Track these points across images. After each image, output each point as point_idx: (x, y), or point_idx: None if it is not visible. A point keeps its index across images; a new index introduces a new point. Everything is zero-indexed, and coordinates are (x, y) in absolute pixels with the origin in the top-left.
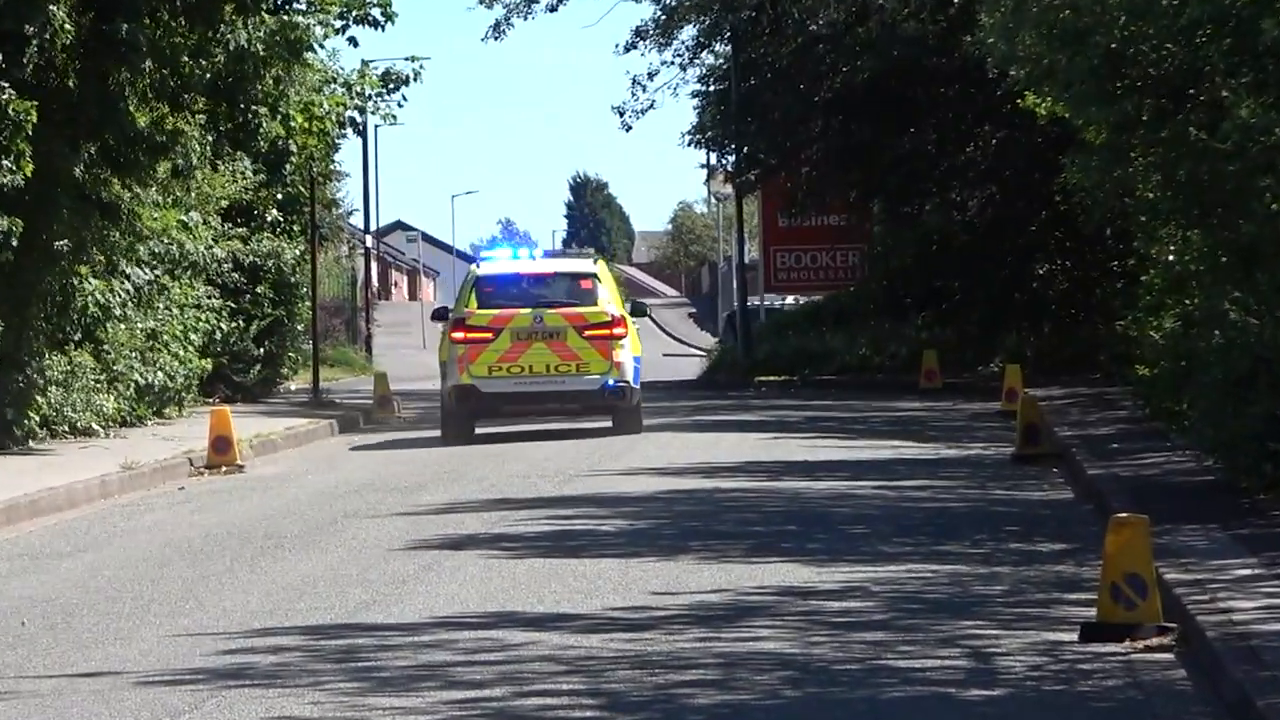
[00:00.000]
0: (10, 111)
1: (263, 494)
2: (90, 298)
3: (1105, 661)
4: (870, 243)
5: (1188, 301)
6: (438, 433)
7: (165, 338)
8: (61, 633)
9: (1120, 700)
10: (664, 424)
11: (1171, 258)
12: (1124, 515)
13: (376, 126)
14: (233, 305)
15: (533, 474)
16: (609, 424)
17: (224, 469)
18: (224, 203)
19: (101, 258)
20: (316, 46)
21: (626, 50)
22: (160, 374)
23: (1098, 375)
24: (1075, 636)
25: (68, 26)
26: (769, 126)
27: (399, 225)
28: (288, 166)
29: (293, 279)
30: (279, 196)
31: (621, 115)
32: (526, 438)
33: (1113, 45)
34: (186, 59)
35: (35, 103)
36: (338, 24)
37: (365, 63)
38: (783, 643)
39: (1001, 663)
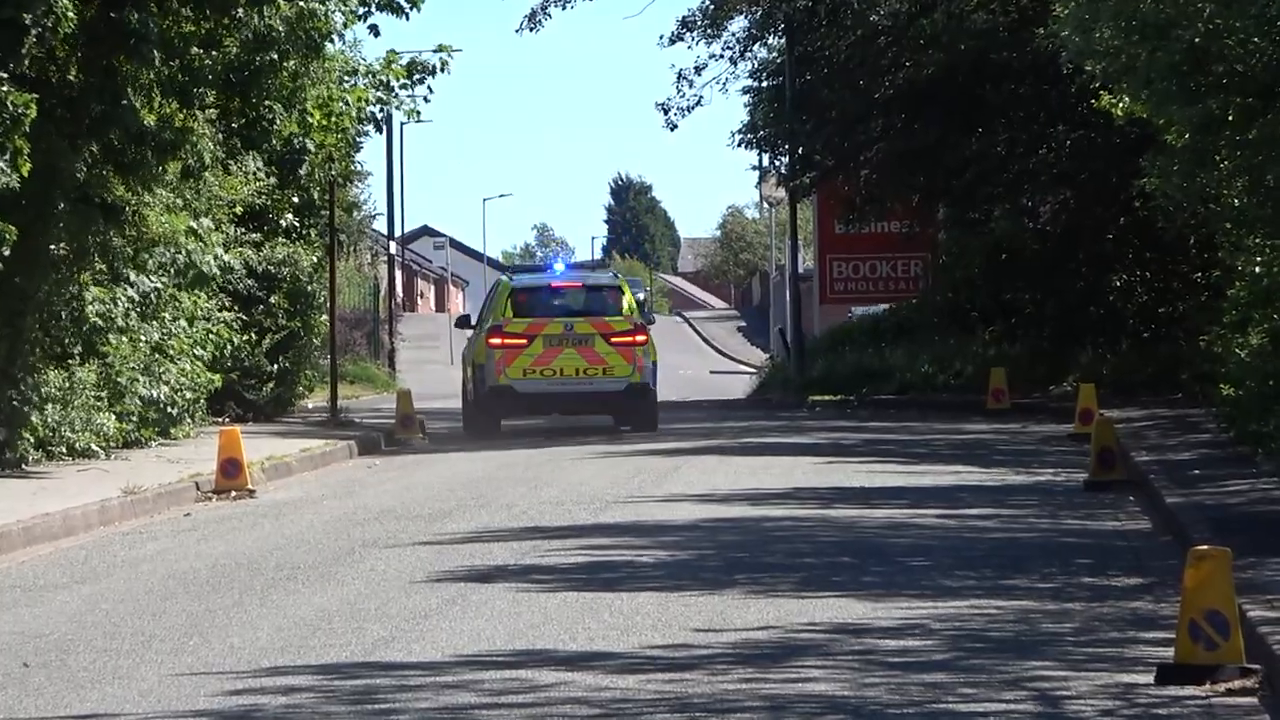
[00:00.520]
0: (7, 105)
1: (275, 521)
2: (91, 308)
3: (1183, 706)
4: (934, 252)
5: (1276, 316)
6: (465, 455)
7: (172, 351)
8: (55, 671)
9: None
10: (709, 447)
11: (1259, 269)
12: (1205, 548)
13: (401, 123)
14: (245, 317)
15: (566, 500)
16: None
17: (233, 494)
18: (236, 207)
19: (103, 265)
20: (335, 36)
21: (672, 42)
22: (166, 390)
23: (1179, 395)
24: (1151, 679)
25: (71, 14)
26: (826, 125)
27: (426, 231)
28: (304, 167)
29: (309, 288)
30: (295, 199)
31: (666, 113)
32: (561, 458)
33: (1196, 39)
34: (197, 50)
35: (34, 96)
36: (359, 10)
37: (390, 53)
38: (834, 684)
39: (1071, 707)
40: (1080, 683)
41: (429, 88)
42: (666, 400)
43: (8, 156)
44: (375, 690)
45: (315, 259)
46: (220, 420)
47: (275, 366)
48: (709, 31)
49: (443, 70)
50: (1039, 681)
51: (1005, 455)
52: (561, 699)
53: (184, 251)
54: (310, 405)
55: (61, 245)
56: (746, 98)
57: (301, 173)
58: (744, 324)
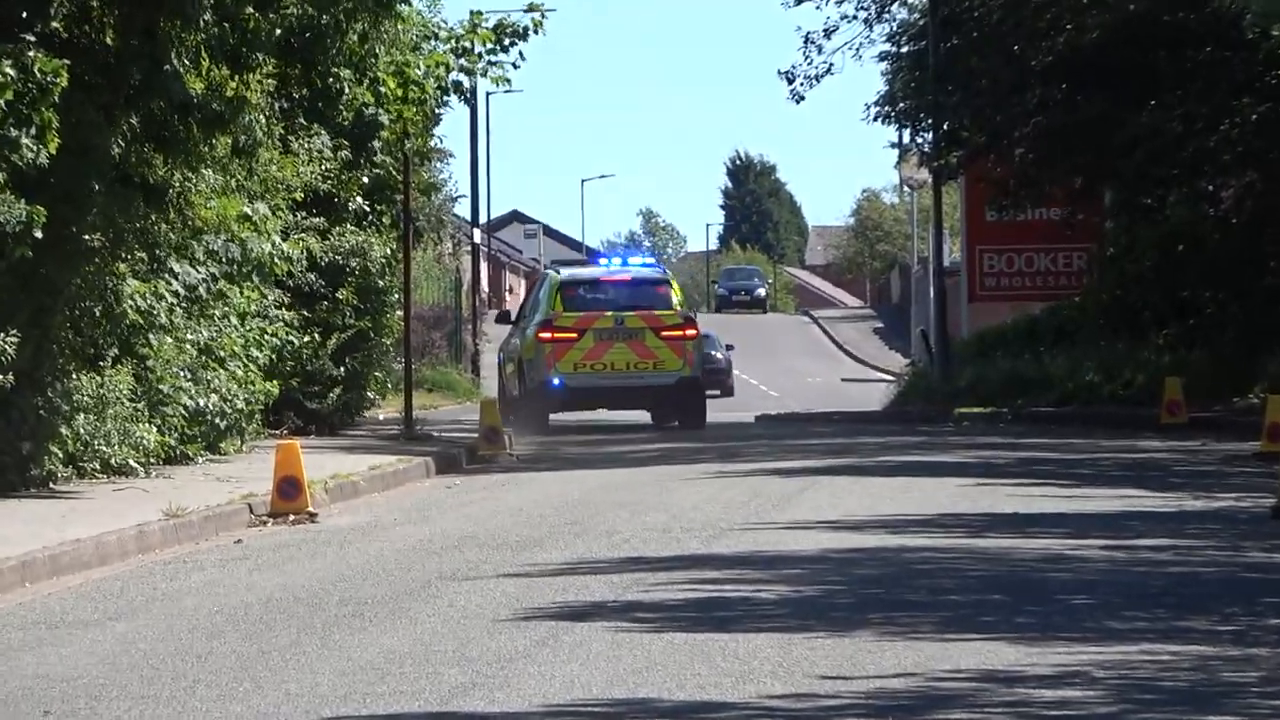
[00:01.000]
0: (35, 73)
1: (339, 549)
2: (129, 303)
3: None
4: (1100, 242)
5: None
6: (559, 475)
7: (222, 354)
8: None
9: None
10: (840, 466)
11: None
12: None
13: (488, 93)
14: (306, 314)
15: (674, 526)
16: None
17: (291, 518)
18: (297, 190)
19: (144, 255)
20: None
21: (798, 1)
22: (215, 399)
23: None
24: None
25: None
26: (975, 97)
27: (515, 217)
28: (376, 143)
29: (381, 283)
30: (365, 180)
31: (791, 82)
32: (668, 478)
33: None
34: (251, 10)
35: (65, 62)
36: None
37: (475, 14)
38: None
39: None
40: None
41: (519, 53)
42: (792, 412)
43: (34, 130)
44: None
45: (388, 249)
46: (277, 433)
47: (341, 371)
48: None
49: (535, 33)
50: None
51: (1181, 477)
52: None
53: (236, 240)
54: (381, 416)
55: (96, 233)
56: (883, 65)
57: (373, 150)
58: (880, 325)
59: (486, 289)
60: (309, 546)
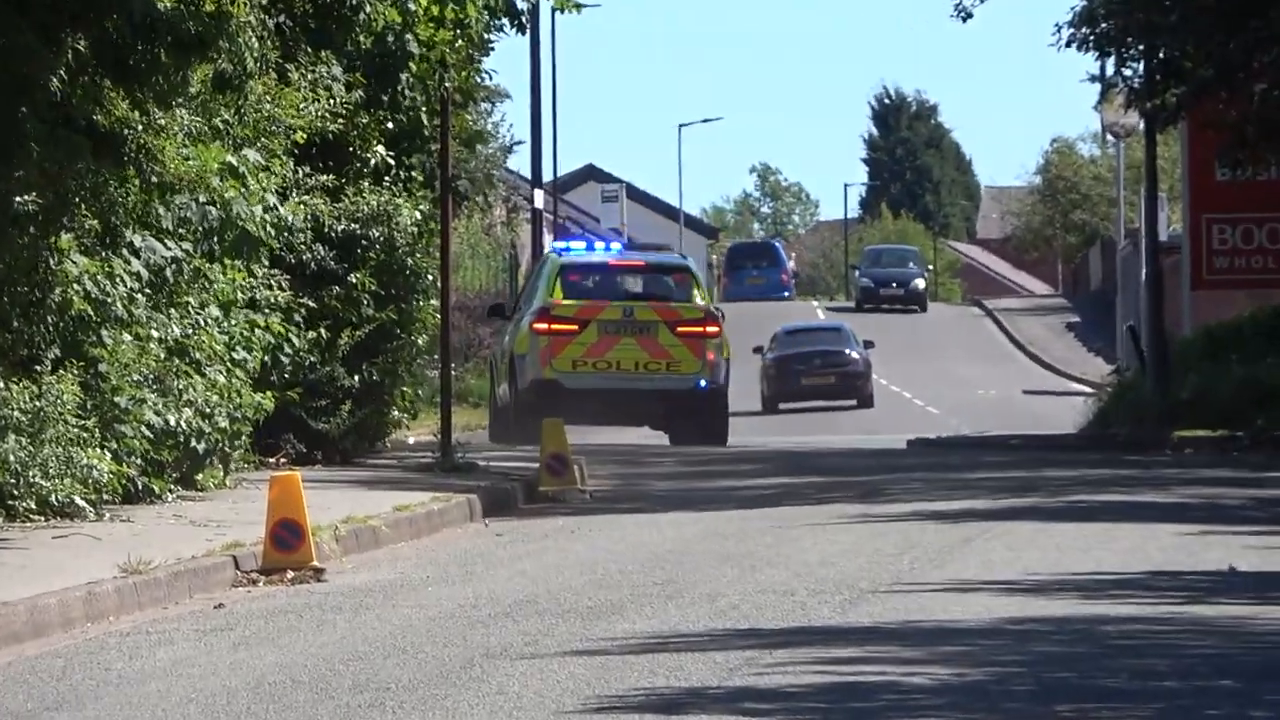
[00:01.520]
0: None
1: (353, 617)
2: (75, 288)
3: None
4: None
5: None
6: (646, 517)
7: (198, 356)
8: None
9: None
10: (1019, 507)
11: None
12: None
13: (553, 8)
14: (311, 304)
15: (798, 587)
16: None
17: (290, 575)
18: (299, 134)
19: (95, 223)
20: None
21: None
22: (189, 416)
23: None
24: None
25: None
26: (1201, 17)
27: (591, 174)
28: (405, 77)
29: (411, 261)
30: (389, 125)
31: None
32: (791, 523)
33: None
34: None
35: None
36: None
37: None
38: None
39: None
40: None
41: None
42: (958, 435)
43: None
44: None
45: (420, 215)
46: (272, 462)
47: (357, 381)
48: None
49: None
50: None
51: None
52: None
53: (217, 201)
54: (410, 440)
55: (29, 193)
56: None
57: (401, 85)
58: (1075, 318)
59: None
60: (313, 613)
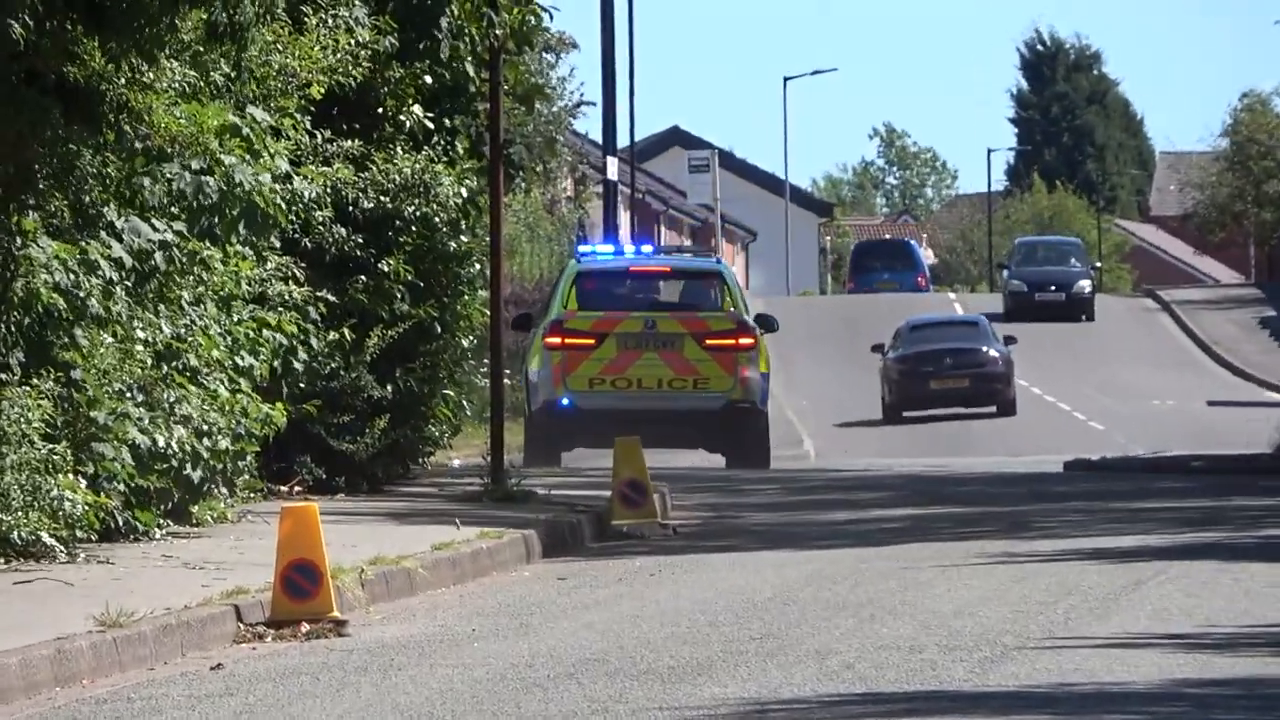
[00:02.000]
0: None
1: (381, 680)
2: (43, 278)
3: None
4: None
5: None
6: (743, 557)
7: (193, 362)
8: None
9: None
10: (1201, 544)
11: None
12: None
13: None
14: (332, 298)
15: (927, 642)
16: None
17: (306, 628)
18: (316, 88)
19: (64, 200)
20: None
21: None
22: (182, 435)
23: None
24: None
25: None
26: None
27: (676, 138)
28: (445, 21)
29: (454, 244)
30: (428, 79)
31: None
32: (917, 563)
33: None
34: None
35: None
36: None
37: None
38: None
39: None
40: None
41: None
42: (1126, 455)
43: None
44: None
45: (465, 189)
46: (284, 490)
47: (389, 391)
48: None
49: None
50: None
51: None
52: None
53: (217, 171)
54: (455, 463)
55: None
56: None
57: (441, 32)
58: (1271, 312)
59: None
60: (333, 675)
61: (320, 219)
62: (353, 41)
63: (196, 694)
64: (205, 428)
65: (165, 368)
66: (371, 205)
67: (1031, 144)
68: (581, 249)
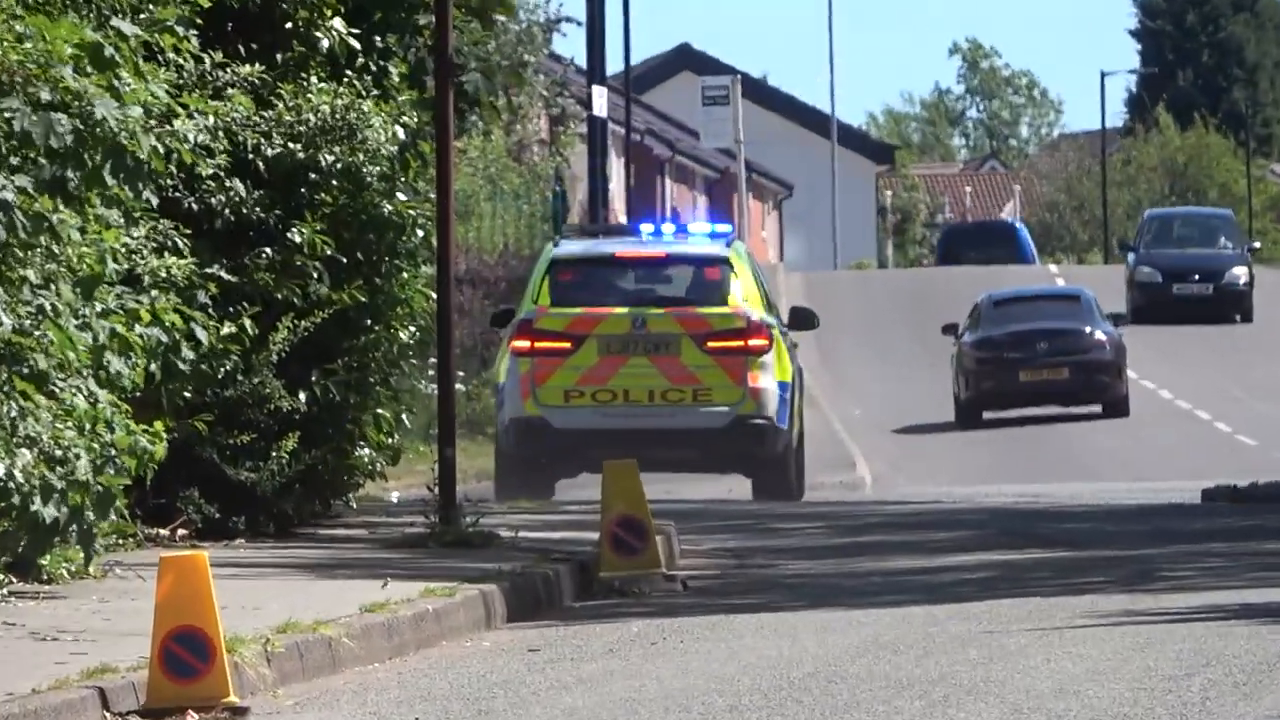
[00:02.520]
0: None
1: None
2: None
3: None
4: None
5: None
6: (768, 617)
7: (42, 363)
8: None
9: None
10: None
11: None
12: None
13: None
14: (227, 277)
15: None
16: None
17: (194, 717)
18: None
19: None
20: None
21: None
22: (28, 461)
23: None
24: None
25: None
26: None
27: (686, 60)
28: None
29: (389, 206)
30: None
31: None
32: (1003, 622)
33: None
34: None
35: None
36: None
37: None
38: None
39: None
40: None
41: None
42: None
43: None
44: None
45: (403, 130)
46: (166, 534)
47: (302, 401)
48: None
49: None
50: None
51: None
52: None
53: (72, 105)
54: (393, 495)
55: None
56: None
57: None
58: None
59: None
60: None
61: (210, 170)
62: None
63: None
64: (58, 452)
65: (4, 372)
66: (278, 153)
67: (1160, 65)
68: (566, 228)
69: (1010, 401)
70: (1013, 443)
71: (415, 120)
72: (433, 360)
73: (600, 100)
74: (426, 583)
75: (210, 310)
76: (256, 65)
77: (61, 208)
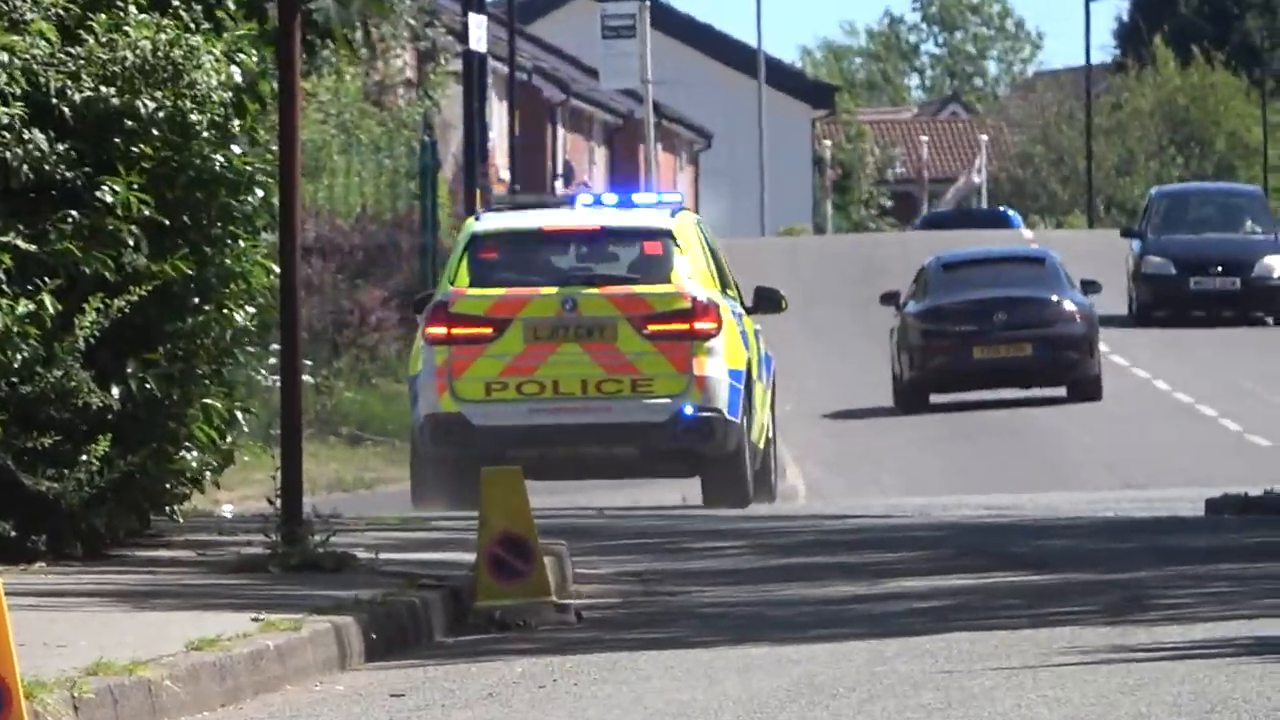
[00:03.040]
0: None
1: None
2: None
3: None
4: None
5: None
6: (679, 656)
7: None
8: None
9: None
10: None
11: None
12: None
13: None
14: (24, 246)
15: None
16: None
17: None
18: None
19: None
20: None
21: None
22: None
23: None
24: None
25: None
26: None
27: None
28: None
29: (221, 160)
30: None
31: None
32: (964, 660)
33: None
34: None
35: None
36: None
37: None
38: None
39: None
40: None
41: None
42: None
43: None
44: None
45: (239, 70)
46: None
47: (115, 396)
48: None
49: None
50: None
51: None
52: None
53: None
54: (226, 508)
55: None
56: None
57: None
58: None
59: (503, 167)
60: None
61: (4, 119)
62: None
63: None
64: None
65: None
66: (88, 97)
67: None
68: (497, 199)
69: (962, 382)
70: (973, 442)
71: (254, 58)
72: (275, 347)
73: (478, 32)
74: (267, 614)
75: (2, 286)
76: None
77: None
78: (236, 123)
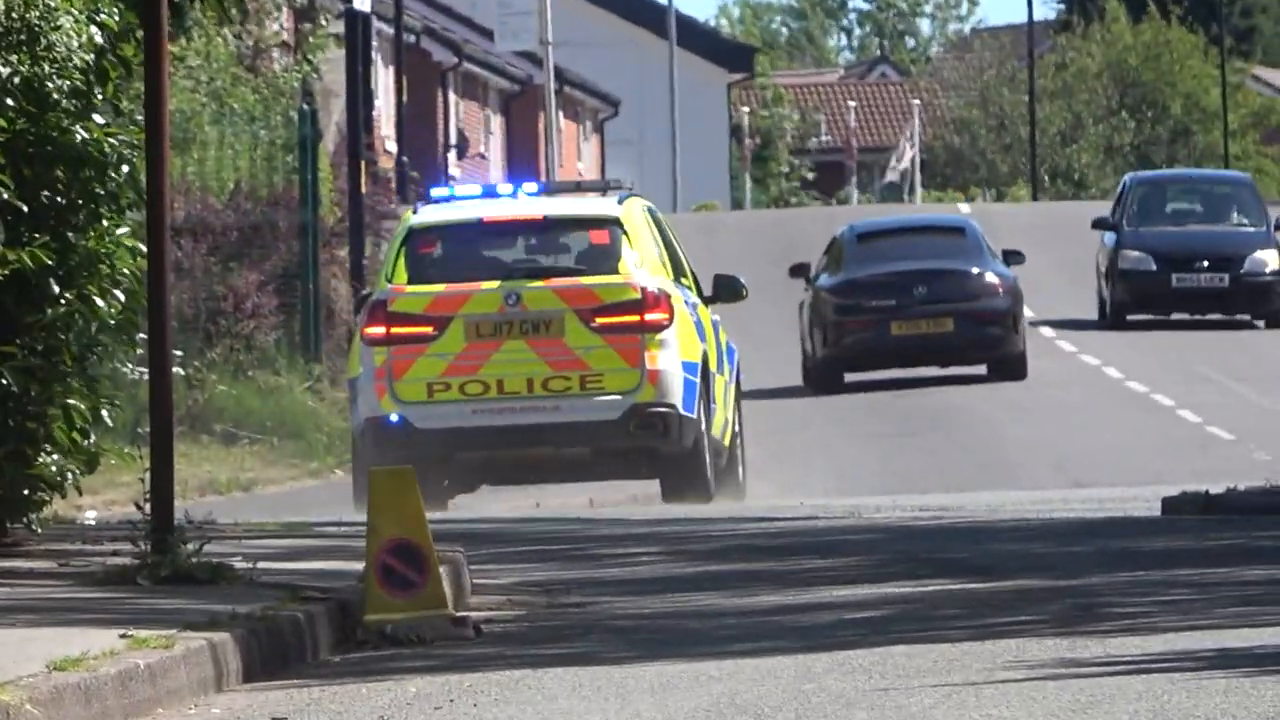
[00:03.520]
0: None
1: None
2: None
3: None
4: None
5: None
6: (588, 673)
7: None
8: None
9: None
10: None
11: None
12: None
13: None
14: None
15: None
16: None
17: None
18: None
19: None
20: None
21: None
22: None
23: None
24: None
25: None
26: None
27: None
28: None
29: (81, 133)
30: None
31: None
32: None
33: None
34: None
35: None
36: None
37: None
38: None
39: None
40: None
41: None
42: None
43: None
44: None
45: (101, 34)
46: None
47: None
48: None
49: None
50: None
51: None
52: None
53: None
54: (89, 514)
55: None
56: None
57: None
58: None
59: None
60: None
61: None
62: None
63: None
64: None
65: None
66: None
67: None
68: (435, 193)
69: (880, 360)
70: (905, 437)
71: (116, 19)
72: (142, 337)
73: None
74: (136, 631)
75: None
76: None
77: None
78: (99, 91)
